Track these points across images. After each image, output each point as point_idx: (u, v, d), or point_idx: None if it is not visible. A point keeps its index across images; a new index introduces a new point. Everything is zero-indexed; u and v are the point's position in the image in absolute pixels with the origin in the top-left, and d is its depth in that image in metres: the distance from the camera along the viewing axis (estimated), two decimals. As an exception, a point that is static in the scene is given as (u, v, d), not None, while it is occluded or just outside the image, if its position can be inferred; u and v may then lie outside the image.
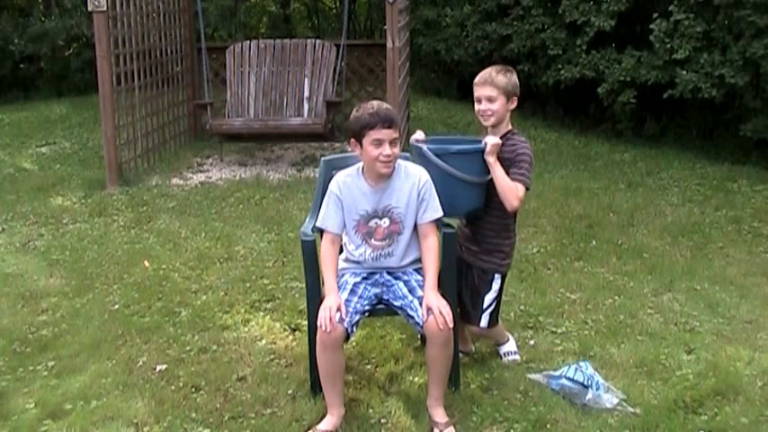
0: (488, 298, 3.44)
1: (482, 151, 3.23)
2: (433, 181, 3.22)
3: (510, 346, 3.67)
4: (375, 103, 3.15)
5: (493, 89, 3.29)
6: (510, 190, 3.22)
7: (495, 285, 3.44)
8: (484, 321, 3.46)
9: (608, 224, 5.68)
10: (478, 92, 3.33)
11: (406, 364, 3.59)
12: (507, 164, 3.26)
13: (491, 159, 3.22)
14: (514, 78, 3.35)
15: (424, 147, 3.29)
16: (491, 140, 3.23)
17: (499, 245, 3.41)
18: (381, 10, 11.63)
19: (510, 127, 3.37)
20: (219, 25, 13.45)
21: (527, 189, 3.27)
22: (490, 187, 3.29)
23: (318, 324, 2.98)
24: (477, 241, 3.43)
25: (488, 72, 3.33)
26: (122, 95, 7.07)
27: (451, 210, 3.32)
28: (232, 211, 6.12)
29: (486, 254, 3.42)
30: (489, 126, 3.33)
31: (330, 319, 2.95)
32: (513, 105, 3.34)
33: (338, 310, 2.99)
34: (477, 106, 3.35)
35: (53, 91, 12.33)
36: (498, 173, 3.23)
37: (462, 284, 3.46)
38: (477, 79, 3.35)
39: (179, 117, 8.36)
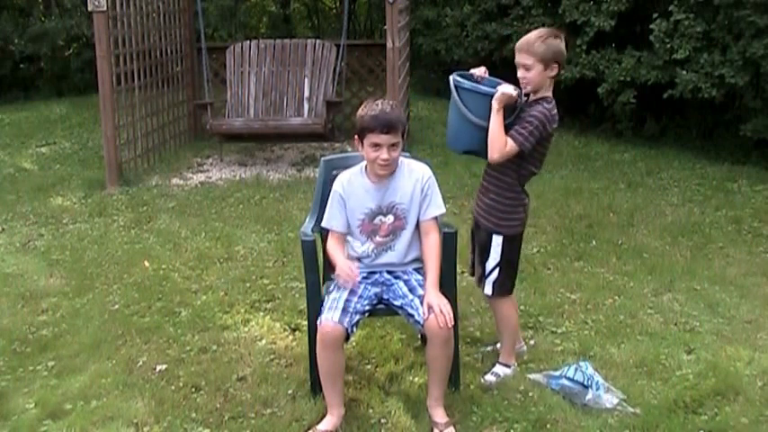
0: (488, 265, 3.41)
1: (490, 94, 3.21)
2: (451, 111, 3.30)
3: (504, 370, 3.50)
4: (381, 104, 3.13)
5: (529, 57, 3.22)
6: (497, 140, 3.18)
7: (495, 253, 3.39)
8: (487, 288, 3.45)
9: (608, 224, 5.68)
10: (517, 58, 3.27)
11: (406, 364, 3.59)
12: (520, 122, 3.23)
13: (495, 105, 3.18)
14: (555, 44, 3.22)
15: (453, 76, 3.29)
16: (504, 88, 3.19)
17: (499, 203, 3.36)
18: (381, 10, 11.63)
19: (547, 93, 3.28)
20: (219, 25, 13.45)
21: (522, 150, 3.19)
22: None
23: (340, 283, 3.04)
24: (483, 194, 3.43)
25: (528, 38, 3.26)
26: (122, 95, 7.07)
27: (453, 143, 3.42)
28: (232, 211, 6.12)
29: (486, 210, 3.40)
30: (528, 92, 3.28)
31: (349, 273, 3.02)
32: (554, 72, 3.24)
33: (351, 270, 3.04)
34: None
35: (53, 91, 12.32)
36: (495, 120, 3.18)
37: (475, 242, 3.49)
38: (516, 44, 3.29)
39: (179, 117, 8.36)
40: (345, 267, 3.08)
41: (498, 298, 3.48)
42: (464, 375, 3.43)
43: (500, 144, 3.19)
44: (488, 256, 3.42)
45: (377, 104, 3.12)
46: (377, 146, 3.08)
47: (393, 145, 3.09)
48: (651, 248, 5.17)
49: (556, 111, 3.28)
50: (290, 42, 8.16)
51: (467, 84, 3.28)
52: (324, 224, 3.27)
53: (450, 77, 3.30)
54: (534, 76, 3.23)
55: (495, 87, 3.26)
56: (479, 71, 3.40)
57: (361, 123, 3.11)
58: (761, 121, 7.33)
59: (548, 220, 5.70)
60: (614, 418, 3.15)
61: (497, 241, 3.39)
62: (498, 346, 3.71)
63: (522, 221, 3.44)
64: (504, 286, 3.45)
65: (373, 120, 3.07)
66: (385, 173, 3.17)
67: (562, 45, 3.27)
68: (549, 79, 3.27)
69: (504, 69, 3.41)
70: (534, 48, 3.22)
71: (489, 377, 3.48)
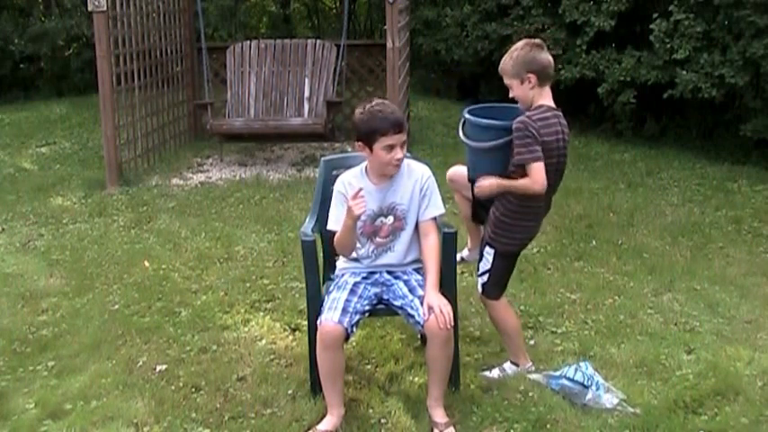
0: (481, 266, 3.44)
1: (478, 124, 3.35)
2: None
3: (512, 368, 3.50)
4: (380, 104, 3.12)
5: (505, 77, 3.28)
6: (524, 189, 3.21)
7: (486, 260, 3.40)
8: (478, 286, 3.48)
9: (608, 224, 5.68)
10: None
11: (406, 364, 3.59)
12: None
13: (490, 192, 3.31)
14: (521, 56, 3.22)
15: (466, 114, 3.41)
16: (478, 189, 3.31)
17: (496, 216, 3.35)
18: (381, 10, 11.63)
19: (539, 102, 3.25)
20: (219, 25, 13.44)
21: (535, 161, 3.13)
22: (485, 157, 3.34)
23: (354, 209, 2.98)
24: (493, 205, 3.40)
25: (503, 59, 3.29)
26: (122, 95, 7.07)
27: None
28: (232, 211, 6.12)
29: (490, 221, 3.40)
30: (523, 110, 3.30)
31: (357, 202, 2.98)
32: (531, 84, 3.21)
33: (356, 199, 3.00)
34: None
35: (53, 91, 12.32)
36: (507, 186, 3.25)
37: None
38: None
39: (179, 117, 8.35)
40: (352, 201, 3.01)
41: (487, 300, 3.49)
42: (464, 375, 3.43)
43: (529, 186, 3.18)
44: (481, 259, 3.44)
45: (377, 106, 3.10)
46: (391, 147, 3.07)
47: (403, 143, 3.10)
48: (651, 248, 5.17)
49: (544, 116, 3.20)
50: (290, 42, 8.15)
51: (471, 118, 3.39)
52: (330, 227, 3.25)
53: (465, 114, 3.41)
54: (516, 93, 3.28)
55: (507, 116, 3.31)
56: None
57: (369, 127, 3.06)
58: (761, 121, 7.33)
59: (548, 220, 5.63)
60: (614, 418, 3.15)
61: (489, 251, 3.39)
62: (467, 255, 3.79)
63: (519, 242, 3.42)
64: (491, 292, 3.45)
65: (384, 121, 3.04)
66: (396, 172, 3.17)
67: (533, 53, 3.23)
68: (535, 90, 3.24)
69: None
70: (505, 66, 3.28)
71: (494, 372, 3.49)
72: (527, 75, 3.21)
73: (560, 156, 3.28)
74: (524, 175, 3.18)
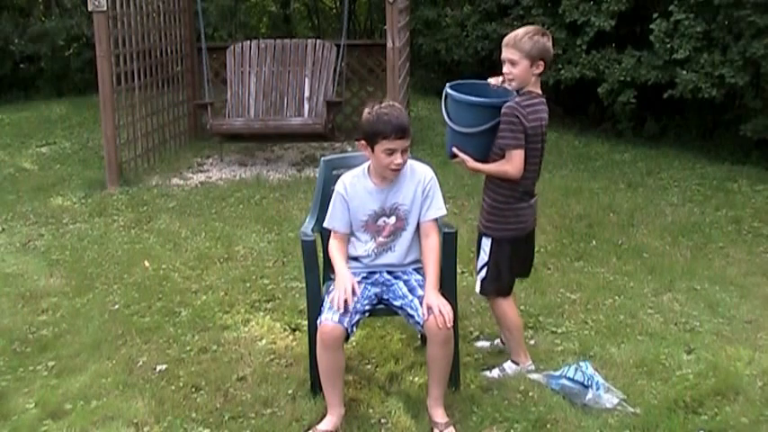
0: (478, 262, 3.44)
1: (463, 101, 3.33)
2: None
3: (512, 367, 3.50)
4: (388, 106, 3.12)
5: (515, 52, 3.22)
6: (501, 172, 3.27)
7: (483, 253, 3.40)
8: (477, 285, 3.49)
9: (608, 224, 5.68)
10: (503, 53, 3.27)
11: (406, 364, 3.59)
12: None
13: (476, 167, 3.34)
14: (542, 42, 3.22)
15: (448, 88, 3.41)
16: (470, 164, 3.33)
17: (488, 205, 3.38)
18: (381, 10, 11.63)
19: (532, 89, 3.27)
20: (219, 25, 13.45)
21: (516, 148, 3.21)
22: (476, 141, 3.34)
23: (330, 304, 3.00)
24: (484, 194, 3.44)
25: (515, 33, 3.26)
26: (122, 95, 7.07)
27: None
28: (232, 211, 6.12)
29: (481, 211, 3.43)
30: (513, 88, 3.29)
31: (346, 301, 2.97)
32: (539, 70, 3.23)
33: (353, 293, 3.00)
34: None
35: (53, 91, 12.32)
36: (486, 169, 3.32)
37: None
38: (504, 40, 3.30)
39: (179, 117, 8.36)
40: (344, 281, 3.03)
41: (490, 297, 3.50)
42: (464, 375, 3.43)
43: (504, 169, 3.26)
44: (479, 254, 3.45)
45: (384, 108, 3.09)
46: (391, 151, 3.07)
47: (405, 149, 3.09)
48: (651, 248, 5.17)
49: (532, 102, 3.25)
50: (290, 42, 8.16)
51: (452, 93, 3.38)
52: (326, 224, 3.27)
53: (447, 89, 3.38)
54: (519, 72, 3.24)
55: (501, 97, 3.31)
56: (497, 80, 3.42)
57: (372, 128, 3.07)
58: (761, 121, 7.33)
59: (548, 220, 5.70)
60: (614, 418, 3.15)
61: (486, 242, 3.41)
62: (496, 342, 3.73)
63: (514, 227, 3.40)
64: (491, 287, 3.44)
65: (387, 125, 3.04)
66: (394, 177, 3.17)
67: (549, 44, 3.27)
68: (535, 77, 3.27)
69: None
70: (521, 44, 3.22)
71: (494, 372, 3.49)
72: (539, 61, 3.23)
73: (543, 141, 3.36)
74: (503, 158, 3.27)
